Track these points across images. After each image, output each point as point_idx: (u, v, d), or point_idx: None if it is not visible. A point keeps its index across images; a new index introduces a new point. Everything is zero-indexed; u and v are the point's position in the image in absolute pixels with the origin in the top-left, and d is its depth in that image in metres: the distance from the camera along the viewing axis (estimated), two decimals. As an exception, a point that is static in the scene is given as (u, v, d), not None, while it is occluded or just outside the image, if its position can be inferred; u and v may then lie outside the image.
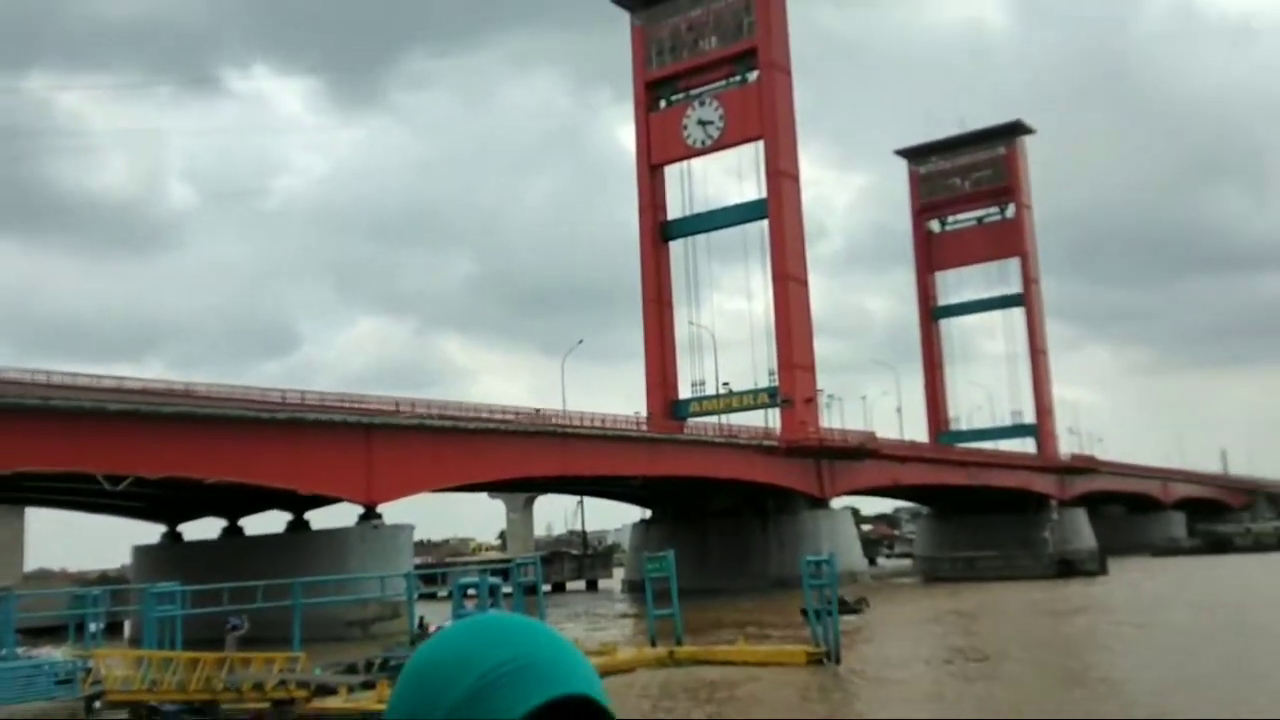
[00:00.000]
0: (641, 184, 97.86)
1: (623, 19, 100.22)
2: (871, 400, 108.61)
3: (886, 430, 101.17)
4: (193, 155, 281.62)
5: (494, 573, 33.40)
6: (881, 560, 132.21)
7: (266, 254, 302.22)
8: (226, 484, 53.83)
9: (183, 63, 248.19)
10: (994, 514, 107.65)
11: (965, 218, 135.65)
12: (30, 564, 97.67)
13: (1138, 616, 50.84)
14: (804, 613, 49.37)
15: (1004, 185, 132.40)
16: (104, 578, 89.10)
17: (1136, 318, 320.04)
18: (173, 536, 70.05)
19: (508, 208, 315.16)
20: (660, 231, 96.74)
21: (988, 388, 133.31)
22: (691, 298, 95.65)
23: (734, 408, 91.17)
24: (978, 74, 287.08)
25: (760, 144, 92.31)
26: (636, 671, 32.87)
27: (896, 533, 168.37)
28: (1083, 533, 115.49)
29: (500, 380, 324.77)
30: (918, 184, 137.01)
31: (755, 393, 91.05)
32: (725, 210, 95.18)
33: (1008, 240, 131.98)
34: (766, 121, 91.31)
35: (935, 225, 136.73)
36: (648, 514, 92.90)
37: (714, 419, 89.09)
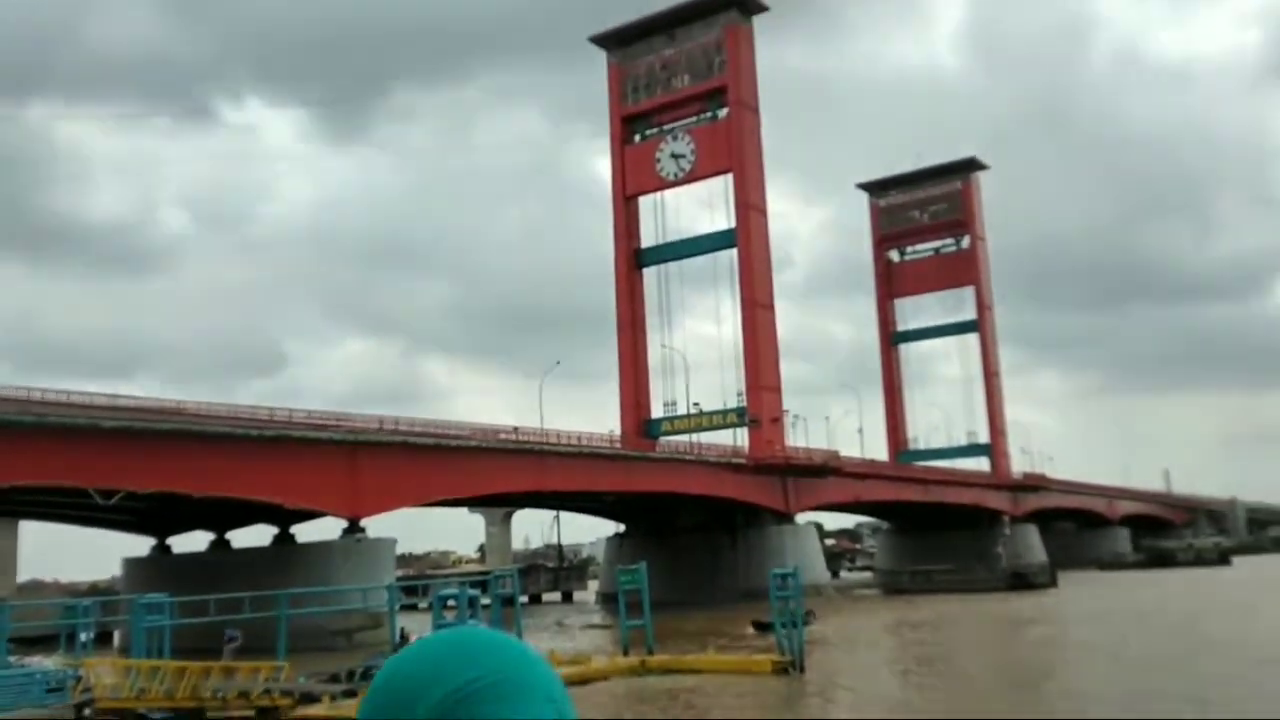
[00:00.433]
0: (617, 214, 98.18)
1: (600, 57, 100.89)
2: (835, 420, 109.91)
3: (848, 449, 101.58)
4: (187, 182, 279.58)
5: (473, 585, 33.22)
6: (844, 573, 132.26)
7: (256, 277, 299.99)
8: (215, 498, 53.34)
9: (179, 95, 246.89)
10: (950, 529, 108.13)
11: (923, 248, 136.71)
12: (23, 575, 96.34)
13: (1085, 627, 51.20)
14: (754, 625, 49.53)
15: (959, 218, 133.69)
16: (94, 589, 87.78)
17: (1085, 344, 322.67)
18: (162, 549, 69.30)
19: (490, 235, 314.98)
20: (634, 259, 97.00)
21: (944, 409, 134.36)
22: (664, 322, 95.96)
23: (704, 427, 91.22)
24: (936, 113, 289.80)
25: (729, 177, 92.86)
26: (610, 680, 32.75)
27: (858, 547, 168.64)
28: (1034, 547, 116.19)
29: (482, 400, 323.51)
30: (878, 216, 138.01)
31: (724, 413, 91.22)
32: (696, 239, 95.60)
33: (963, 270, 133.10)
34: (735, 156, 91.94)
35: (895, 255, 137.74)
36: (621, 528, 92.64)
37: (685, 438, 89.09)
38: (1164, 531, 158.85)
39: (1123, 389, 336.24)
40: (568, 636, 55.32)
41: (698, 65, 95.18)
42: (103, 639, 44.61)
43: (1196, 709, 24.73)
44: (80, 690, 24.68)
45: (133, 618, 33.92)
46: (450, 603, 30.24)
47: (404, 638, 39.09)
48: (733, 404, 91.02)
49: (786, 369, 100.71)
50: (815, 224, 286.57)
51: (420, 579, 79.81)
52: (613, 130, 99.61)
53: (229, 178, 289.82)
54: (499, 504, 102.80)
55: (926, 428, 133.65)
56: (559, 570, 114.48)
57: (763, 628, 48.34)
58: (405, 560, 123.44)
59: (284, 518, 60.34)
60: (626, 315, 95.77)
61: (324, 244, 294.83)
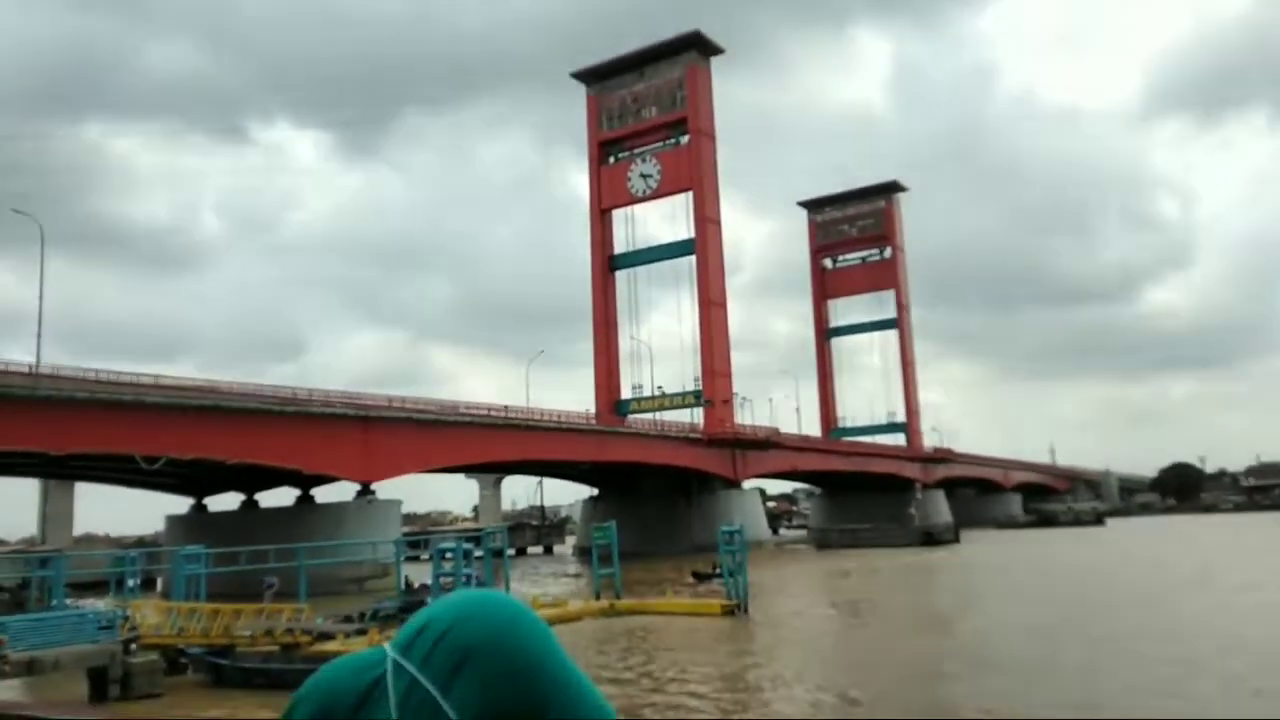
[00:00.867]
0: (594, 224, 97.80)
1: (580, 90, 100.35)
2: (776, 402, 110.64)
3: (788, 426, 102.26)
4: (223, 192, 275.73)
5: (468, 540, 33.09)
6: (783, 531, 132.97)
7: (282, 276, 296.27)
8: (245, 464, 52.81)
9: (217, 115, 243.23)
10: (872, 494, 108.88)
11: (852, 257, 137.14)
12: (79, 529, 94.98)
13: (983, 575, 51.88)
14: (693, 574, 49.68)
15: (882, 232, 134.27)
16: (140, 542, 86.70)
17: (986, 338, 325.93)
18: (199, 508, 68.48)
19: (485, 241, 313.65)
20: (608, 263, 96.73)
21: (868, 393, 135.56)
22: (633, 317, 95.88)
23: (666, 407, 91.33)
24: (864, 142, 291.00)
25: (690, 194, 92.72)
26: (584, 620, 32.78)
27: (795, 509, 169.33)
28: (941, 510, 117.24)
29: (477, 382, 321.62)
30: (815, 229, 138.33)
31: (684, 395, 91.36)
32: (661, 247, 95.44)
33: (885, 276, 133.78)
34: (695, 176, 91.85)
35: (828, 263, 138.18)
36: (595, 492, 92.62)
37: (650, 415, 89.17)
38: (1049, 497, 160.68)
39: (1017, 376, 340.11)
40: (549, 584, 55.30)
41: (663, 99, 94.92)
42: (147, 585, 44.02)
43: (1078, 636, 25.09)
44: (128, 628, 24.35)
45: (173, 566, 33.55)
46: (447, 555, 30.12)
47: (409, 585, 38.96)
48: (691, 387, 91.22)
49: (736, 358, 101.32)
50: (762, 235, 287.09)
51: (422, 534, 79.41)
52: (591, 153, 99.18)
53: (259, 189, 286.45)
54: (491, 471, 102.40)
55: (853, 408, 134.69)
56: (541, 528, 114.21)
57: (700, 577, 48.51)
58: (409, 519, 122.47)
59: (305, 481, 59.82)
60: (601, 311, 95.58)
61: (341, 247, 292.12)
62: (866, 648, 27.10)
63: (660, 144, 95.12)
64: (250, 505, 65.76)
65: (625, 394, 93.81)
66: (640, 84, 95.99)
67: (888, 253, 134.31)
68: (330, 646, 24.07)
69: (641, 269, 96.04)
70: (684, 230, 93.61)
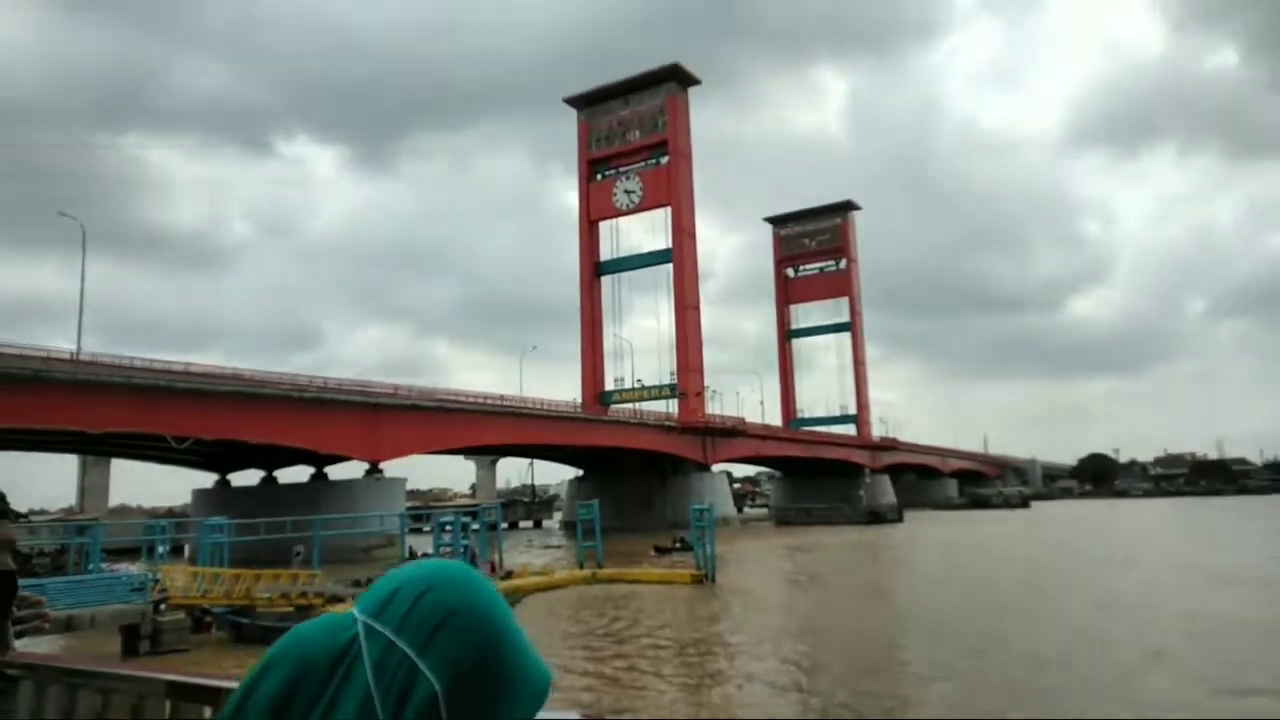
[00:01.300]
0: (582, 234, 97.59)
1: (571, 114, 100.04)
2: (743, 395, 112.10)
3: (752, 417, 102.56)
4: (250, 200, 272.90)
5: (466, 514, 33.01)
6: (747, 509, 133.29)
7: (301, 275, 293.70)
8: (266, 445, 52.42)
9: (245, 130, 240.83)
10: (826, 477, 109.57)
11: (811, 268, 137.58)
12: (113, 501, 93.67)
13: (923, 549, 52.34)
14: (655, 548, 49.71)
15: (839, 245, 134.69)
16: (170, 513, 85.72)
17: (929, 342, 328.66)
18: (223, 483, 67.79)
19: (485, 248, 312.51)
20: (595, 269, 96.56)
21: (824, 388, 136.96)
22: (616, 318, 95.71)
23: (645, 398, 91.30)
24: (824, 164, 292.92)
25: (668, 209, 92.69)
26: (568, 587, 32.83)
27: (758, 490, 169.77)
28: (887, 492, 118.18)
29: (475, 373, 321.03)
30: (779, 242, 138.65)
31: (660, 387, 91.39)
32: (642, 256, 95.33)
33: (840, 284, 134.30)
34: (673, 193, 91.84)
35: (790, 272, 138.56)
36: (580, 473, 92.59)
37: (630, 405, 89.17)
38: (982, 482, 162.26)
39: (956, 376, 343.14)
40: (538, 554, 55.27)
41: (646, 123, 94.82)
42: (176, 551, 43.59)
43: (1018, 593, 25.42)
44: (157, 590, 24.13)
45: (200, 535, 33.29)
46: (447, 527, 30.06)
47: (412, 553, 38.82)
48: (667, 381, 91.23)
49: (708, 355, 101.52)
50: (732, 246, 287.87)
51: (425, 509, 78.96)
52: (581, 170, 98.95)
53: (282, 197, 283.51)
54: (487, 453, 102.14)
55: (811, 401, 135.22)
56: (532, 504, 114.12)
57: (662, 550, 48.61)
58: (413, 495, 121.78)
59: (319, 460, 59.40)
60: (588, 311, 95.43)
61: (355, 251, 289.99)
62: (814, 611, 27.34)
63: (643, 164, 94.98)
64: (270, 481, 65.25)
65: (609, 386, 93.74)
66: (625, 110, 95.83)
67: (843, 264, 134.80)
68: (340, 608, 23.98)
69: (625, 275, 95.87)
70: (663, 241, 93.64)
